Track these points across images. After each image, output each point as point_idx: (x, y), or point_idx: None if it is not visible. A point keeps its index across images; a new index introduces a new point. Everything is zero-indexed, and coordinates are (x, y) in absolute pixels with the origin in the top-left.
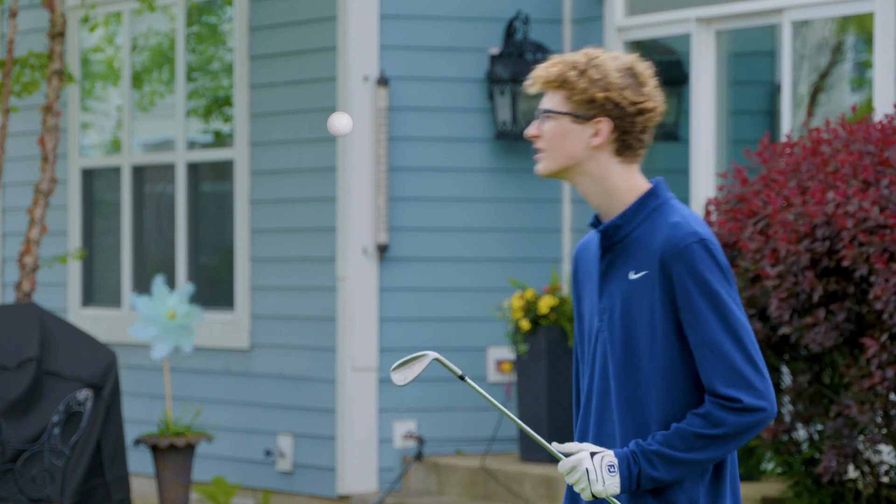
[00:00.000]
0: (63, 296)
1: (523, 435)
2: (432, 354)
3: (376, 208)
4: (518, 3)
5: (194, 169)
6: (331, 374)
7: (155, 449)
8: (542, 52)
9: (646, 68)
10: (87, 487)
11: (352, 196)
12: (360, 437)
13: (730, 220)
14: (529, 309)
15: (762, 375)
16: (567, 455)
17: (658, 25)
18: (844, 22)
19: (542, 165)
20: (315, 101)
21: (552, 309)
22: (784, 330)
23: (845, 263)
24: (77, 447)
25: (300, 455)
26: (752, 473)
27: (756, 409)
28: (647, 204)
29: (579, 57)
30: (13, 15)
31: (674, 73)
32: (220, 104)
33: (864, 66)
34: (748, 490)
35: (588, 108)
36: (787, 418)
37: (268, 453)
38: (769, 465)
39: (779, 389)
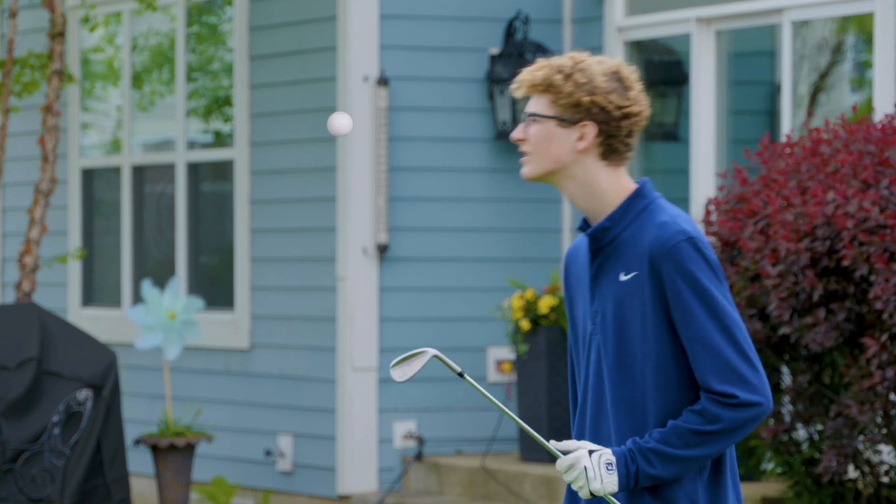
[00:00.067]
0: (63, 296)
1: (523, 435)
2: (431, 351)
3: (376, 208)
4: (518, 3)
5: (194, 169)
6: (331, 374)
7: (155, 449)
8: (542, 52)
9: (631, 72)
10: (87, 487)
11: (352, 196)
12: (360, 437)
13: (730, 219)
14: (529, 309)
15: (756, 370)
16: (565, 453)
17: (658, 25)
18: (844, 22)
19: (528, 169)
20: (315, 101)
21: (552, 309)
22: (784, 330)
23: (845, 263)
24: (77, 447)
25: (300, 455)
26: (752, 473)
27: (752, 403)
28: (635, 205)
29: (565, 61)
30: (13, 15)
31: (674, 73)
32: (220, 104)
33: (864, 66)
34: (748, 490)
35: (574, 111)
36: (787, 418)
37: (268, 453)
38: (769, 465)
39: (779, 389)
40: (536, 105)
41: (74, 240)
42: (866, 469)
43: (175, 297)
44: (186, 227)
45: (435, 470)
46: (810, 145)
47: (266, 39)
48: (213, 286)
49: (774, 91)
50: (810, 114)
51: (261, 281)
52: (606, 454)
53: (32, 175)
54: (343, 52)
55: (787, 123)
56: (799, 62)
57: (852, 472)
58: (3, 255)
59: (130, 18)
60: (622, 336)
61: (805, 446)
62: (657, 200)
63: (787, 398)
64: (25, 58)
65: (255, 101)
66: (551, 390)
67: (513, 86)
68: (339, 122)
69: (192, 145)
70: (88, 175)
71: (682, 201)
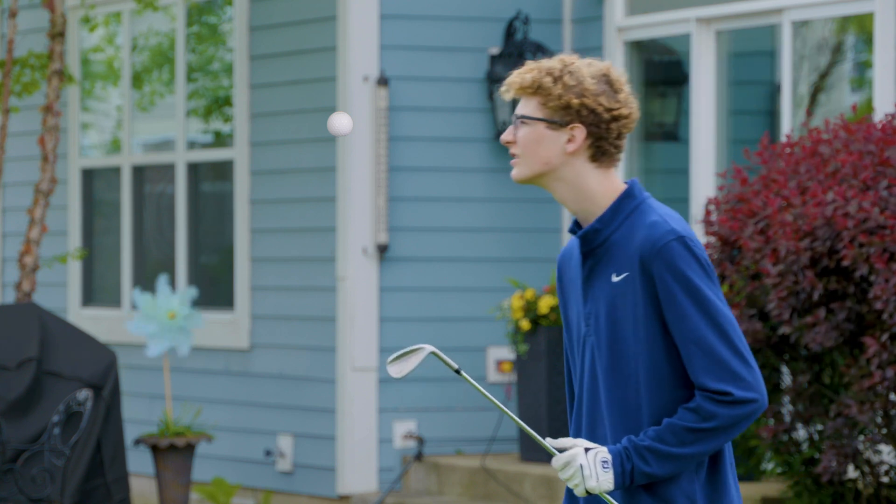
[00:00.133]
0: (63, 296)
1: (523, 435)
2: (429, 348)
3: (376, 208)
4: (518, 3)
5: (194, 169)
6: (331, 374)
7: (155, 449)
8: (542, 52)
9: (620, 75)
10: (87, 487)
11: (352, 196)
12: (360, 437)
13: (730, 219)
14: (529, 309)
15: (750, 367)
16: (561, 451)
17: (658, 25)
18: (844, 22)
19: (517, 171)
20: (315, 101)
21: (552, 309)
22: (784, 329)
23: (845, 263)
24: (77, 447)
25: (300, 455)
26: (752, 473)
27: (747, 400)
28: (625, 206)
29: (554, 63)
30: (13, 15)
31: (674, 73)
32: (220, 104)
33: (864, 66)
34: (748, 490)
35: (563, 114)
36: (787, 418)
37: (268, 453)
38: (769, 465)
39: (779, 389)
40: (526, 107)
41: (74, 240)
42: (866, 469)
43: (168, 296)
44: (186, 227)
45: (435, 470)
46: (810, 145)
47: (266, 39)
48: (213, 286)
49: (774, 91)
50: (810, 114)
51: (261, 281)
52: (602, 452)
53: (32, 175)
54: (343, 52)
55: (787, 123)
56: (799, 62)
57: (852, 472)
58: (3, 255)
59: (130, 18)
60: (615, 337)
61: (805, 446)
62: (647, 200)
63: (787, 398)
64: (25, 58)
65: (255, 101)
66: (551, 390)
67: (502, 88)
68: (339, 122)
69: (192, 145)
70: (88, 175)
71: (682, 201)
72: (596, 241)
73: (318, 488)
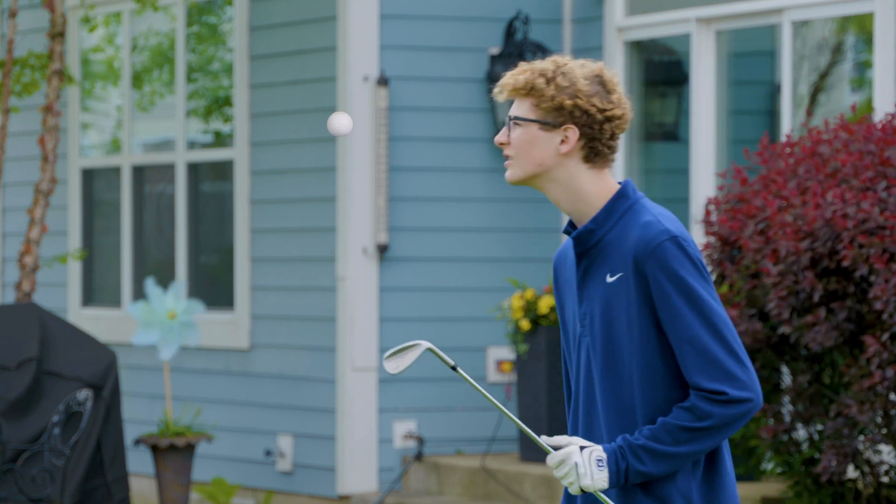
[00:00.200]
0: (63, 296)
1: (523, 435)
2: (425, 344)
3: (376, 208)
4: (518, 3)
5: (194, 169)
6: (331, 374)
7: (155, 449)
8: (542, 52)
9: (613, 76)
10: (87, 487)
11: (352, 196)
12: (360, 437)
13: (730, 219)
14: (529, 309)
15: (745, 366)
16: (556, 448)
17: (658, 25)
18: (844, 22)
19: (511, 173)
20: (315, 101)
21: (552, 309)
22: (784, 329)
23: (845, 264)
24: (77, 447)
25: (300, 455)
26: (752, 473)
27: (742, 400)
28: (618, 206)
29: (547, 64)
30: (13, 15)
31: (674, 73)
32: (220, 104)
33: (864, 66)
34: (748, 490)
35: (556, 115)
36: (787, 418)
37: (268, 453)
38: (769, 465)
39: (779, 389)
40: (519, 109)
41: (74, 240)
42: (866, 469)
43: (178, 299)
44: (186, 227)
45: (435, 470)
46: (810, 145)
47: (266, 39)
48: (213, 286)
49: (774, 91)
50: (810, 114)
51: (261, 281)
52: (597, 451)
53: (32, 175)
54: (343, 52)
55: (787, 123)
56: (799, 62)
57: (852, 472)
58: (3, 255)
59: (130, 18)
60: (610, 337)
61: (805, 446)
62: (641, 201)
63: (787, 398)
64: (25, 58)
65: (255, 101)
66: (551, 390)
67: (495, 90)
68: (339, 122)
69: (192, 145)
70: (88, 175)
71: (682, 201)
72: (590, 242)
73: (318, 488)
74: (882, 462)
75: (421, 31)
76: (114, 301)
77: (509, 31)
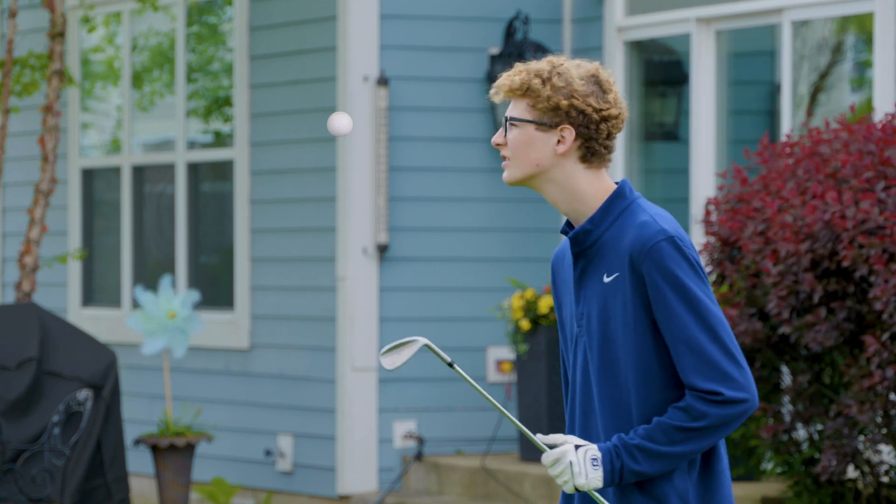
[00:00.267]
0: (63, 296)
1: (523, 435)
2: (422, 340)
3: (376, 208)
4: (518, 3)
5: (194, 169)
6: (331, 374)
7: (155, 449)
8: (542, 52)
9: (609, 76)
10: (87, 487)
11: (352, 196)
12: (360, 437)
13: (730, 219)
14: (529, 309)
15: (740, 367)
16: (551, 447)
17: (658, 25)
18: (844, 22)
19: (508, 173)
20: (315, 101)
21: (552, 309)
22: (784, 329)
23: (845, 264)
24: (77, 447)
25: (300, 455)
26: (752, 473)
27: (737, 400)
28: (615, 206)
29: (543, 65)
30: (13, 15)
31: (674, 73)
32: (220, 104)
33: (864, 66)
34: (748, 490)
35: (552, 115)
36: (787, 418)
37: (268, 453)
38: (769, 465)
39: (779, 389)
40: (515, 109)
41: (74, 240)
42: (866, 469)
43: (170, 296)
44: (186, 227)
45: (435, 470)
46: (810, 145)
47: (266, 39)
48: (213, 286)
49: (774, 91)
50: (810, 114)
51: (261, 281)
52: (592, 450)
53: (32, 175)
54: (343, 52)
55: (787, 123)
56: (799, 62)
57: (852, 472)
58: (3, 255)
59: (130, 18)
60: (606, 337)
61: (805, 446)
62: (637, 200)
63: (787, 398)
64: (25, 58)
65: (255, 101)
66: (551, 390)
67: (491, 91)
68: (339, 122)
69: (192, 145)
70: (88, 175)
71: (682, 201)
72: (587, 242)
73: (318, 488)
74: (882, 462)
75: (421, 31)
76: (114, 301)
77: (509, 31)
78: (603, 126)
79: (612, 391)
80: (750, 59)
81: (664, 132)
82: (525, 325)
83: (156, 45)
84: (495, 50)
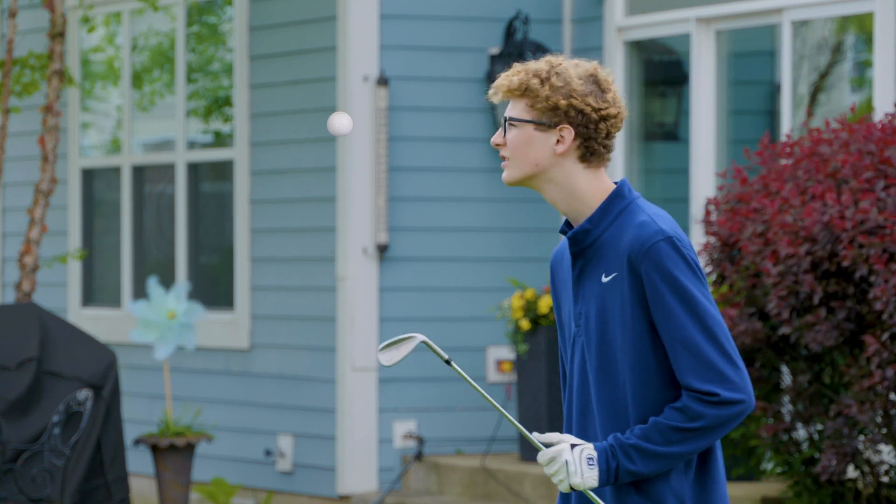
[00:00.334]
0: (63, 296)
1: (523, 435)
2: (420, 337)
3: (376, 208)
4: (518, 3)
5: (194, 169)
6: (331, 374)
7: (155, 449)
8: (542, 52)
9: (607, 75)
10: (87, 487)
11: (352, 196)
12: (360, 437)
13: (729, 220)
14: (529, 309)
15: (737, 368)
16: (548, 445)
17: (658, 25)
18: (844, 22)
19: (508, 173)
20: (315, 101)
21: (552, 309)
22: (784, 329)
23: (845, 264)
24: (77, 447)
25: (300, 455)
26: (752, 473)
27: (734, 401)
28: (614, 206)
29: (541, 65)
30: (13, 15)
31: (674, 73)
32: (220, 104)
33: (864, 66)
34: (748, 490)
35: (551, 115)
36: (787, 418)
37: (268, 453)
38: (769, 465)
39: (779, 389)
40: (514, 109)
41: (74, 240)
42: (866, 469)
43: (179, 300)
44: (186, 227)
45: (435, 470)
46: (810, 145)
47: (266, 39)
48: (213, 286)
49: (774, 91)
50: (810, 114)
51: (261, 281)
52: (588, 449)
53: (32, 175)
54: (343, 52)
55: (787, 123)
56: (799, 62)
57: (852, 472)
58: (3, 255)
59: (130, 18)
60: (604, 337)
61: (805, 446)
62: (636, 200)
63: (787, 398)
64: (25, 58)
65: (255, 101)
66: (551, 390)
67: (490, 91)
68: (339, 122)
69: (192, 145)
70: (88, 175)
71: (682, 201)
72: (586, 242)
73: (318, 488)
74: (882, 462)
75: (421, 31)
76: (114, 301)
77: (509, 31)
78: (602, 125)
79: (609, 391)
80: (750, 59)
81: (664, 132)
82: (525, 325)
83: (156, 45)
84: (495, 50)
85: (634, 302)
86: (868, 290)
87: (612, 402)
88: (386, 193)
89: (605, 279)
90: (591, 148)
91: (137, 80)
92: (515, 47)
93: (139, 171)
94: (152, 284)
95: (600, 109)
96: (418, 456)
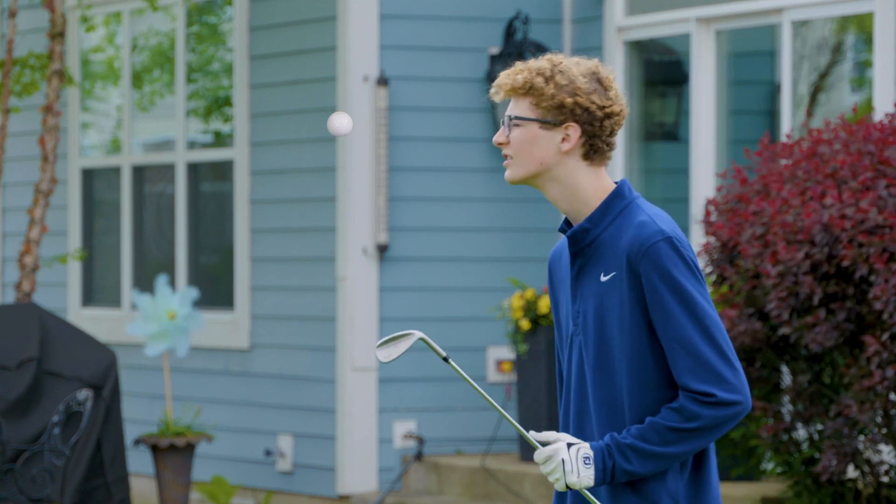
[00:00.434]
0: (63, 296)
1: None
2: (418, 334)
3: (376, 208)
4: (518, 3)
5: (194, 169)
6: (331, 374)
7: (155, 449)
8: (541, 52)
9: (609, 72)
10: (87, 487)
11: (352, 196)
12: (360, 437)
13: (727, 222)
14: (529, 309)
15: (735, 369)
16: (544, 444)
17: (658, 25)
18: (844, 22)
19: (511, 172)
20: (315, 101)
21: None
22: (784, 330)
23: (845, 264)
24: (77, 447)
25: (300, 455)
26: (752, 473)
27: (730, 402)
28: (614, 205)
29: (543, 63)
30: (13, 15)
31: (674, 73)
32: (220, 104)
33: (864, 66)
34: (748, 490)
35: (557, 113)
36: (787, 418)
37: (268, 453)
38: (769, 465)
39: (779, 389)
40: (517, 108)
41: (74, 240)
42: (866, 469)
43: (168, 296)
44: (186, 227)
45: (435, 470)
46: (809, 145)
47: (266, 39)
48: (213, 286)
49: (774, 91)
50: (810, 114)
51: (261, 281)
52: (584, 448)
53: (32, 175)
54: (343, 52)
55: (787, 123)
56: (799, 62)
57: (852, 472)
58: (3, 255)
59: (130, 18)
60: (602, 336)
61: (805, 446)
62: (636, 200)
63: (787, 398)
64: (25, 58)
65: (255, 101)
66: (551, 390)
67: (491, 90)
68: (339, 122)
69: (192, 145)
70: (88, 175)
71: (682, 201)
72: (585, 241)
73: (318, 488)
74: (882, 462)
75: (421, 31)
76: (114, 301)
77: (509, 31)
78: (606, 123)
79: (607, 390)
80: (750, 59)
81: (664, 132)
82: (525, 324)
83: (156, 45)
84: (495, 50)
85: (633, 302)
86: (868, 290)
87: (610, 401)
88: (386, 193)
89: (603, 278)
90: (595, 146)
91: (137, 80)
92: (515, 47)
93: (139, 171)
94: (161, 282)
95: (605, 107)
96: (418, 456)
